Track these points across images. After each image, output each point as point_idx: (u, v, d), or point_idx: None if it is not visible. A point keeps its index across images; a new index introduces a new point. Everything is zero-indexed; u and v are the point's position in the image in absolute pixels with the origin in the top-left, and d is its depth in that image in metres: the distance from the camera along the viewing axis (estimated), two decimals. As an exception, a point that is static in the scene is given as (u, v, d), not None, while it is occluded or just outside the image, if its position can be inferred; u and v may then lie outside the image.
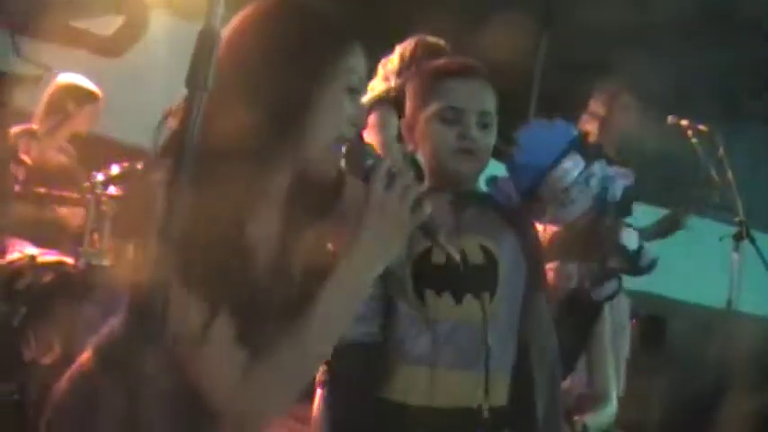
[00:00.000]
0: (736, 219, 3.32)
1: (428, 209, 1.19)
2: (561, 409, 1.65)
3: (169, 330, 1.03)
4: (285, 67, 1.19)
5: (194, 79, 0.99)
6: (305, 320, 1.17)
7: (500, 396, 1.50)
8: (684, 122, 3.43)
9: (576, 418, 2.31)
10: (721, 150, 3.36)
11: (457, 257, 1.24)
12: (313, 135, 1.21)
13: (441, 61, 1.67)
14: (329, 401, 1.53)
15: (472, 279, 1.47)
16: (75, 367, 1.32)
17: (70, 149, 3.61)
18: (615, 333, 3.42)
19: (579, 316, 2.58)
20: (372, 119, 2.83)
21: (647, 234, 3.36)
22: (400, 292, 1.50)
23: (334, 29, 1.26)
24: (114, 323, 1.30)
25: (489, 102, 1.56)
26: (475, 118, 1.53)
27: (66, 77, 3.51)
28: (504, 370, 1.52)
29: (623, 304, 3.51)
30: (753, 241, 3.27)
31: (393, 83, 2.94)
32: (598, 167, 1.88)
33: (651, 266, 3.44)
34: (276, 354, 1.17)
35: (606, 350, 2.60)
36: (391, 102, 2.85)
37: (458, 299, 1.48)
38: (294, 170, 1.24)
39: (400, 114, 2.75)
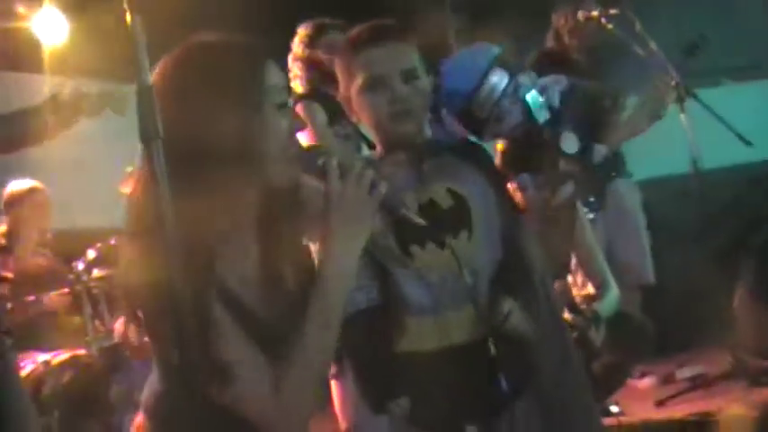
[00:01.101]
0: (672, 83, 3.41)
1: (383, 188, 1.30)
2: (558, 313, 1.73)
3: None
4: (217, 106, 1.27)
5: (146, 132, 1.11)
6: (307, 319, 1.28)
7: (479, 328, 1.56)
8: (594, 13, 3.53)
9: (583, 306, 2.42)
10: (638, 25, 3.44)
11: (421, 221, 1.36)
12: (262, 154, 1.31)
13: (354, 32, 1.71)
14: (346, 384, 1.63)
15: (447, 223, 1.57)
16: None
17: (45, 251, 3.70)
18: (618, 220, 3.55)
19: (557, 225, 2.70)
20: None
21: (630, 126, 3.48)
22: (390, 257, 1.59)
23: (246, 57, 1.34)
24: (151, 382, 1.39)
25: (408, 58, 1.61)
26: (399, 78, 1.59)
27: (11, 186, 3.60)
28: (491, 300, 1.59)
29: (624, 191, 3.62)
30: (695, 97, 3.37)
31: (299, 74, 3.06)
32: (526, 78, 1.97)
33: (612, 162, 3.55)
34: (292, 358, 1.27)
35: (592, 245, 2.72)
36: (307, 95, 2.97)
37: (440, 245, 1.56)
38: (257, 189, 1.34)
39: (320, 100, 2.88)
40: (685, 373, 3.67)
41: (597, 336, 2.35)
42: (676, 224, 4.16)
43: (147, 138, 1.11)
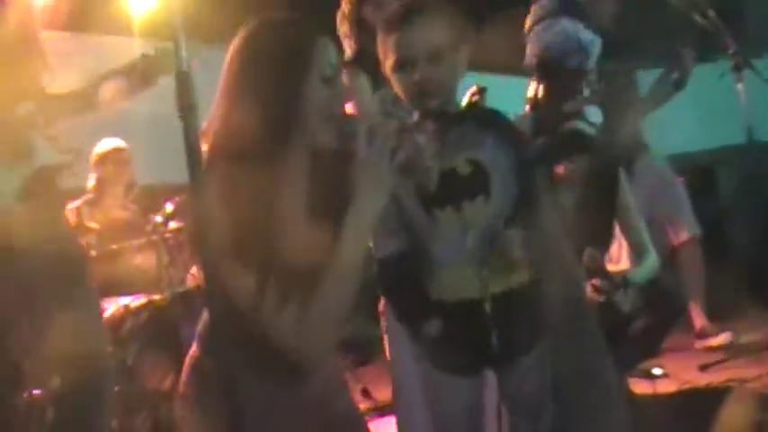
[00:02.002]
0: (730, 52, 3.43)
1: (402, 155, 1.49)
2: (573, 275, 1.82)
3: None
4: (273, 76, 1.52)
5: (184, 107, 1.37)
6: (335, 258, 1.48)
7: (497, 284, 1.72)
8: None
9: (611, 272, 2.53)
10: (700, -1, 3.45)
11: (432, 187, 1.53)
12: (307, 119, 1.53)
13: (386, 14, 1.86)
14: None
15: (465, 188, 1.72)
16: (187, 359, 1.66)
17: (128, 204, 4.03)
18: (656, 188, 3.63)
19: (600, 192, 2.81)
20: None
21: (653, 99, 3.51)
22: (415, 215, 1.75)
23: (299, 37, 1.56)
24: (204, 316, 1.63)
25: (435, 37, 1.72)
26: (424, 58, 1.71)
27: (99, 146, 3.93)
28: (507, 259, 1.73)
29: (652, 169, 3.70)
30: (752, 67, 3.39)
31: (347, 33, 3.18)
32: None
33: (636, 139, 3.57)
34: (318, 292, 1.47)
35: (634, 214, 2.81)
36: (352, 62, 3.10)
37: (457, 207, 1.72)
38: (304, 149, 1.55)
39: (365, 65, 3.00)
40: (741, 339, 3.71)
41: (626, 300, 2.46)
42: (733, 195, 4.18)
43: (184, 111, 1.32)
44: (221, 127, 1.55)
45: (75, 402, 2.30)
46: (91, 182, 3.97)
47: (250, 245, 1.47)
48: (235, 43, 1.59)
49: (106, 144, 3.97)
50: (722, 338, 3.63)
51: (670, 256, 3.79)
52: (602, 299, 2.45)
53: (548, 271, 1.76)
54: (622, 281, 2.46)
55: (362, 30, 3.04)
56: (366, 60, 3.05)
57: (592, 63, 2.96)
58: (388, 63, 1.77)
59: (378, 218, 1.52)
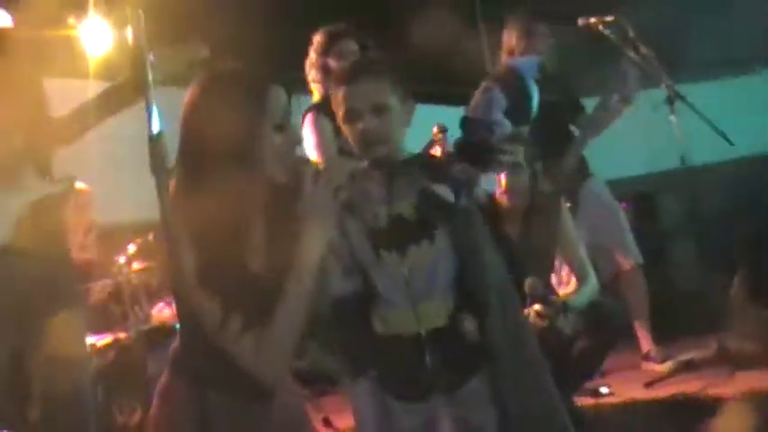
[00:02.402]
0: (663, 85, 3.67)
1: (344, 194, 1.67)
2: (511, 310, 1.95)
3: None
4: (231, 125, 1.68)
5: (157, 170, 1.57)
6: (285, 288, 1.65)
7: (437, 320, 1.86)
8: (593, 20, 3.78)
9: (552, 297, 2.70)
10: (631, 32, 3.69)
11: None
12: (261, 160, 1.71)
13: (337, 71, 2.03)
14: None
15: (410, 233, 1.86)
16: (158, 386, 1.79)
17: (90, 245, 4.10)
18: (598, 213, 3.83)
19: (541, 221, 2.98)
20: (307, 122, 3.31)
21: (593, 124, 3.74)
22: (366, 257, 1.89)
23: (252, 87, 1.74)
24: (174, 344, 1.79)
25: (379, 92, 1.87)
26: (369, 111, 1.86)
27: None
28: (447, 298, 1.88)
29: (597, 188, 3.92)
30: (682, 98, 3.63)
31: (315, 78, 3.43)
32: None
33: (582, 164, 3.81)
34: (272, 320, 1.64)
35: (574, 242, 3.00)
36: (317, 107, 3.31)
37: (402, 251, 1.86)
38: (261, 186, 1.72)
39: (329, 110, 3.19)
40: (684, 356, 3.89)
41: (567, 323, 2.64)
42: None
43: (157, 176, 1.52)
44: (182, 165, 1.72)
45: (59, 404, 2.41)
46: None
47: (215, 274, 1.63)
48: (194, 88, 1.75)
49: (69, 187, 4.05)
50: (667, 366, 3.79)
51: (614, 281, 3.97)
52: (544, 323, 2.63)
53: (487, 305, 1.88)
54: (562, 306, 2.64)
55: (327, 76, 3.28)
56: (330, 105, 3.25)
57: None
58: (339, 114, 1.93)
59: (328, 253, 1.69)
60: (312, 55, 3.47)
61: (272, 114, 1.71)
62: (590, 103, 3.91)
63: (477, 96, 3.65)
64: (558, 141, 3.79)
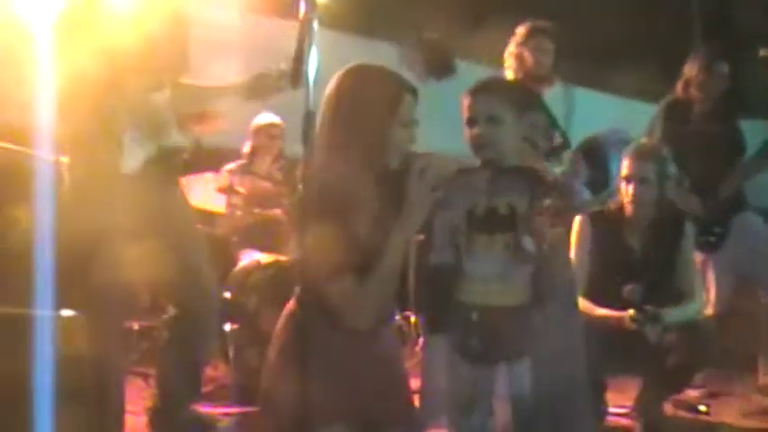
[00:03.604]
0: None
1: (440, 193, 2.11)
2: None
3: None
4: (369, 116, 2.14)
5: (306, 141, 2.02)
6: (384, 255, 2.08)
7: (509, 300, 2.20)
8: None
9: (647, 307, 2.94)
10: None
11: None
12: (385, 149, 2.15)
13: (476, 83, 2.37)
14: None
15: (500, 225, 2.21)
16: (285, 309, 2.28)
17: (274, 173, 4.70)
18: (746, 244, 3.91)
19: (664, 236, 3.20)
20: None
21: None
22: (461, 237, 2.25)
23: (389, 90, 2.18)
24: None
25: (494, 109, 2.23)
26: (483, 121, 2.23)
27: (256, 119, 4.62)
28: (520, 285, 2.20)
29: (749, 220, 3.99)
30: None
31: (511, 65, 3.85)
32: None
33: (736, 197, 3.93)
34: (371, 275, 2.08)
35: (691, 259, 3.19)
36: None
37: (491, 238, 2.21)
38: (380, 169, 2.17)
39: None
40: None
41: (653, 332, 2.88)
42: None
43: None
44: (327, 136, 2.15)
45: (186, 329, 2.91)
46: (246, 148, 4.65)
47: (337, 239, 2.06)
48: (337, 83, 2.19)
49: (263, 118, 4.61)
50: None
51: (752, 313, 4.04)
52: (634, 327, 2.89)
53: (545, 305, 2.21)
54: (654, 316, 2.87)
55: (520, 66, 3.82)
56: None
57: None
58: (463, 118, 2.33)
59: (435, 228, 2.08)
60: (511, 45, 3.85)
61: (400, 115, 2.15)
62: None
63: None
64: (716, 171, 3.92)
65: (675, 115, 4.03)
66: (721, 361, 3.27)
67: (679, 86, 4.08)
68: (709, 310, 3.88)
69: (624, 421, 3.40)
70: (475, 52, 4.19)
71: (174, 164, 2.86)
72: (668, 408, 3.52)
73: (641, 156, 3.22)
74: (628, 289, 2.93)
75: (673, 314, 3.02)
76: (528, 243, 2.14)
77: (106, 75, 2.53)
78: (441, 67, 4.76)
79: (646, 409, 3.27)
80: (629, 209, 3.22)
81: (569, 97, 5.21)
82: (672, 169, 3.28)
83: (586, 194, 3.53)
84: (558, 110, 3.85)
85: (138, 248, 2.55)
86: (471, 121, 2.25)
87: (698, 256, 3.89)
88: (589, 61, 5.27)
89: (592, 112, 4.67)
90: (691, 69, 4.04)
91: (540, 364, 2.15)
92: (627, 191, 3.21)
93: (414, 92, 2.20)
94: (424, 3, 4.60)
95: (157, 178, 2.73)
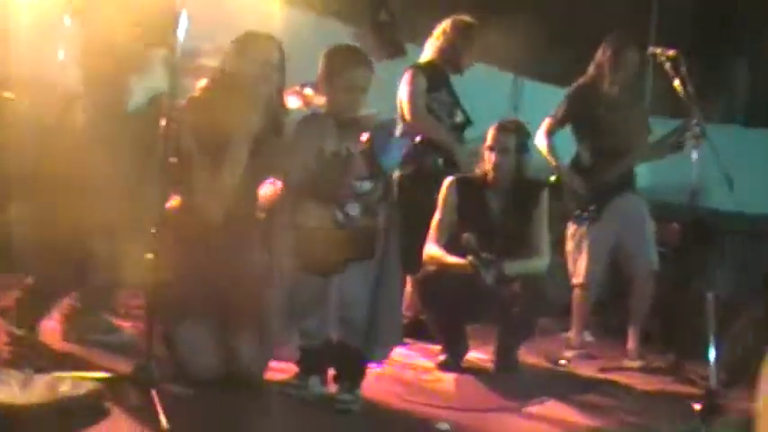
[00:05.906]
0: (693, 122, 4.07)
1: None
2: None
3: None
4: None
5: None
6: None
7: None
8: (659, 50, 4.16)
9: (483, 254, 3.42)
10: (684, 69, 4.08)
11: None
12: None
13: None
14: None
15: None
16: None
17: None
18: (627, 223, 4.31)
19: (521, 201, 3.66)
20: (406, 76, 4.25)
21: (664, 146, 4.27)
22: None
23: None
24: None
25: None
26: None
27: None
28: None
29: (630, 202, 4.40)
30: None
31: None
32: None
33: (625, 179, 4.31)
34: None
35: (542, 223, 3.65)
36: (417, 65, 4.30)
37: None
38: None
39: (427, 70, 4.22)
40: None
41: (488, 276, 3.35)
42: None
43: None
44: None
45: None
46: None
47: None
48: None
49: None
50: (635, 364, 4.24)
51: (627, 283, 4.44)
52: (471, 270, 3.38)
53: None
54: (486, 261, 3.34)
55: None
56: (429, 67, 4.32)
57: None
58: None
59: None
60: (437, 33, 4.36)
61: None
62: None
63: None
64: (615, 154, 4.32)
65: (584, 98, 4.34)
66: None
67: (590, 70, 4.38)
68: (579, 279, 4.31)
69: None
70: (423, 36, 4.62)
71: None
72: (533, 357, 4.00)
73: (503, 128, 3.69)
74: (465, 236, 3.39)
75: (514, 265, 3.50)
76: None
77: (119, 33, 3.01)
78: (392, 48, 5.28)
79: (499, 354, 3.72)
80: (490, 175, 3.69)
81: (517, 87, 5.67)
82: (531, 143, 3.75)
83: None
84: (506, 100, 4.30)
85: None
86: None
87: (576, 229, 4.35)
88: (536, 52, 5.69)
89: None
90: (602, 54, 4.33)
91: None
92: (489, 158, 3.68)
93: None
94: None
95: (154, 117, 3.09)
